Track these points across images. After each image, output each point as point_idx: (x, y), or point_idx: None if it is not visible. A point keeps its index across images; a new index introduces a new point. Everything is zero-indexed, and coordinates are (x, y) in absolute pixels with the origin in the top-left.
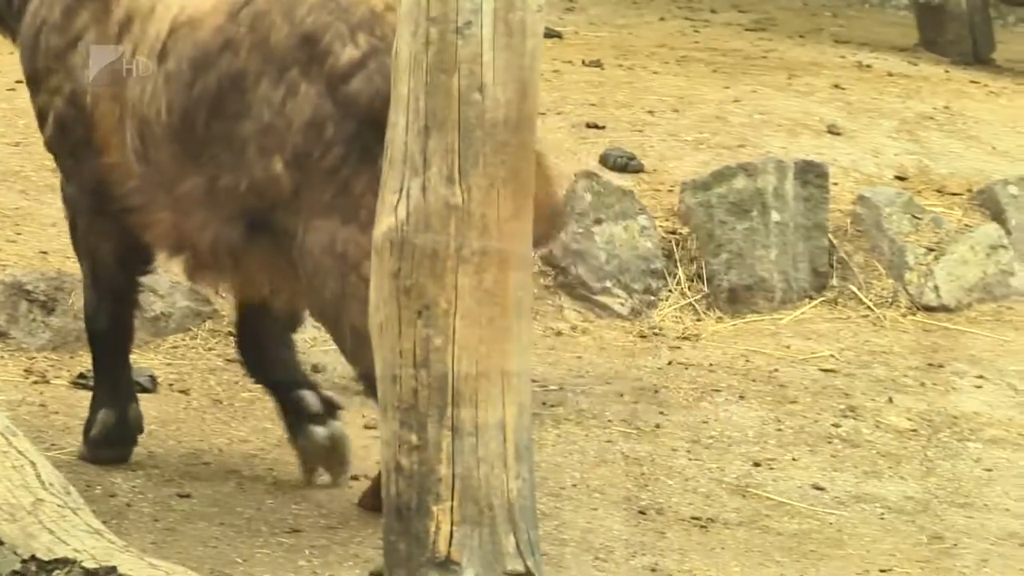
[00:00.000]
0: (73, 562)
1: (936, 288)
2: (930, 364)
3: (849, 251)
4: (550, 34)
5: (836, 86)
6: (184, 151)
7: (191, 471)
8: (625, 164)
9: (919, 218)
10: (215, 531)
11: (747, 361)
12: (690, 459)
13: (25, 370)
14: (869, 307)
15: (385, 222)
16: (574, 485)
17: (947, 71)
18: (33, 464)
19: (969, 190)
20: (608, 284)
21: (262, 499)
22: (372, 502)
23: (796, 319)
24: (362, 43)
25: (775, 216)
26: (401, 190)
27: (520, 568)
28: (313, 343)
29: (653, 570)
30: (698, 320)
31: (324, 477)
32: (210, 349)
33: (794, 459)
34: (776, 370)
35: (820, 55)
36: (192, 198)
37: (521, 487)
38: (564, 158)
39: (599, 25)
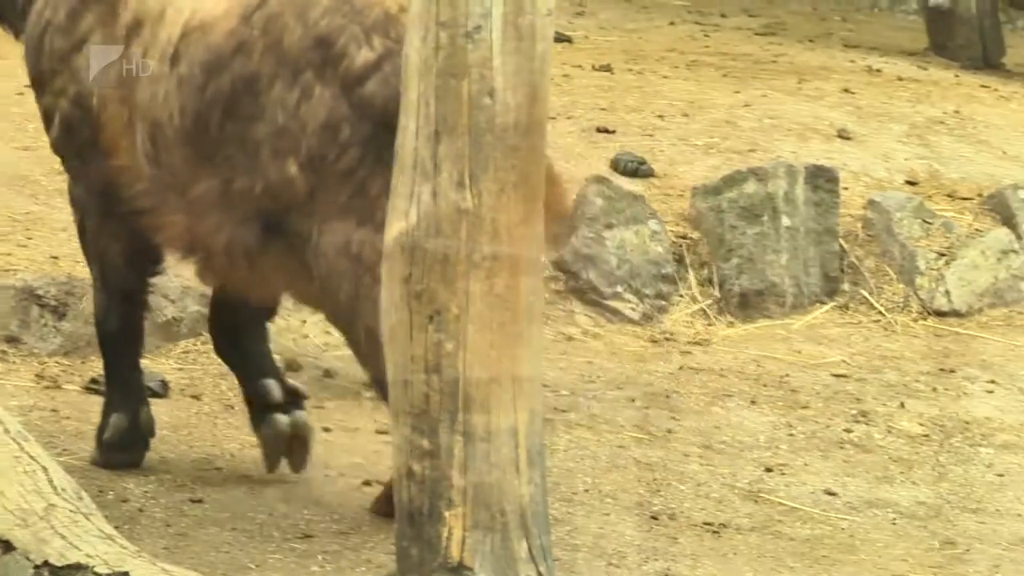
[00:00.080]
0: (86, 567)
1: (947, 293)
2: (941, 369)
3: (860, 256)
4: (560, 38)
5: (846, 90)
6: (197, 154)
7: (203, 476)
8: (636, 169)
9: (930, 223)
10: (227, 536)
11: (758, 366)
12: (702, 464)
13: (37, 375)
14: (880, 312)
15: (396, 227)
16: (586, 490)
17: (957, 75)
18: (45, 469)
19: (980, 195)
20: (619, 289)
21: (274, 504)
22: (384, 507)
23: (807, 324)
24: (377, 45)
25: (786, 221)
26: (412, 195)
27: (532, 573)
28: (325, 348)
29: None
30: (709, 325)
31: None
32: None
33: (806, 464)
34: (787, 375)
35: (830, 59)
36: (206, 201)
37: (533, 492)
38: (574, 163)
39: (609, 29)
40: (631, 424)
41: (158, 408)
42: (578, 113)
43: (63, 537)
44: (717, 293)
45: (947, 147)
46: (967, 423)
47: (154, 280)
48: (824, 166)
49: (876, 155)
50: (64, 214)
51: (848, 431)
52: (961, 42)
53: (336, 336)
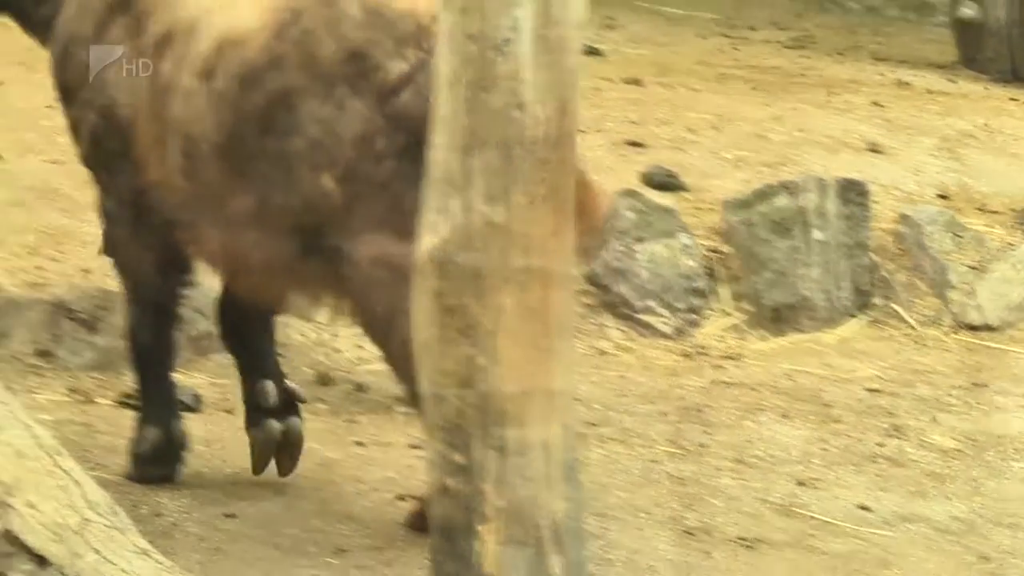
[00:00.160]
0: None
1: (979, 307)
2: (974, 383)
3: (891, 270)
4: (590, 51)
5: (876, 104)
6: (232, 168)
7: (237, 491)
8: (666, 182)
9: (961, 236)
10: (261, 551)
11: (791, 380)
12: (735, 479)
13: (70, 389)
14: (912, 326)
15: (427, 241)
16: (619, 505)
17: (986, 88)
18: (79, 484)
19: (1012, 209)
20: (651, 303)
21: (308, 519)
22: (418, 522)
23: (839, 338)
24: (410, 57)
25: (817, 234)
26: (442, 209)
27: None
28: (357, 362)
29: None
30: (741, 339)
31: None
32: None
33: (839, 479)
34: (820, 389)
35: (859, 72)
36: (241, 215)
37: (567, 507)
38: (605, 176)
39: (639, 43)
40: (664, 438)
41: (191, 422)
42: (608, 126)
43: (98, 552)
44: (749, 307)
45: (977, 160)
46: (1000, 437)
47: (186, 293)
48: (855, 180)
49: (906, 168)
50: (95, 227)
51: (881, 445)
52: (990, 55)
53: (368, 350)
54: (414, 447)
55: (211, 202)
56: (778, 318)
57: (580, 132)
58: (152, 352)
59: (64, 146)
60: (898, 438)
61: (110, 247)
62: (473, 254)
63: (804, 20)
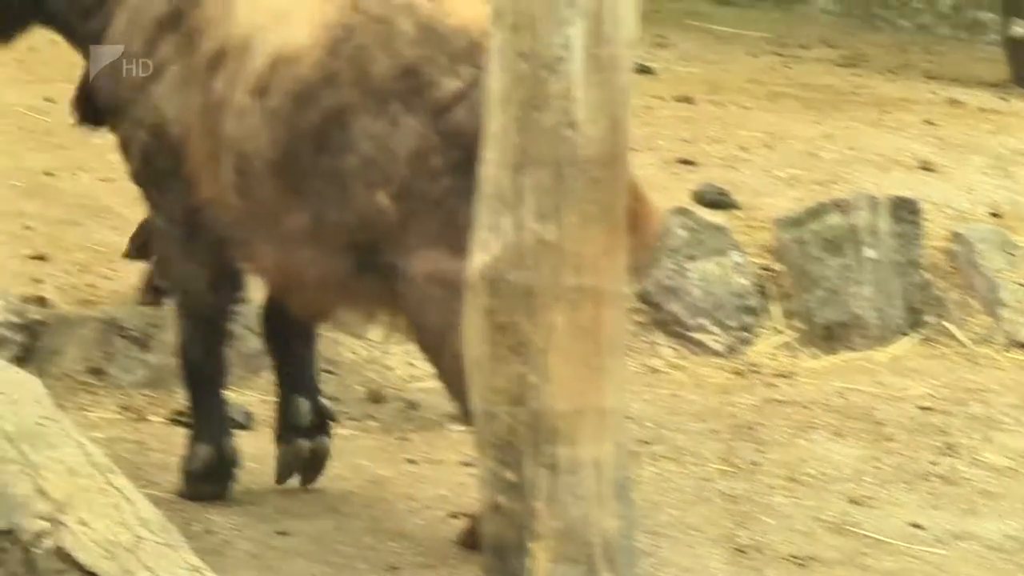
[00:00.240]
0: None
1: None
2: None
3: (943, 288)
4: (641, 70)
5: (927, 122)
6: (286, 185)
7: (289, 508)
8: (718, 200)
9: (1013, 255)
10: (314, 569)
11: (843, 398)
12: (787, 497)
13: (122, 407)
14: (964, 344)
15: (479, 259)
16: (671, 523)
17: None
18: (131, 501)
19: None
20: (703, 321)
21: (360, 537)
22: (471, 540)
23: (892, 356)
24: (463, 73)
25: (869, 252)
26: (494, 227)
27: None
28: (409, 380)
29: None
30: (793, 357)
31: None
32: None
33: (892, 497)
34: (872, 407)
35: (911, 91)
36: (295, 232)
37: (619, 525)
38: (656, 194)
39: (690, 61)
40: (716, 456)
41: (242, 440)
42: (660, 144)
43: (150, 570)
44: (801, 325)
45: None
46: None
47: (237, 310)
48: (907, 198)
49: (959, 187)
50: None
51: (933, 463)
52: None
53: (420, 368)
54: (466, 465)
55: (265, 219)
56: (830, 336)
57: (632, 150)
58: (204, 369)
59: (114, 164)
60: (950, 456)
61: (161, 264)
62: (524, 272)
63: (855, 38)
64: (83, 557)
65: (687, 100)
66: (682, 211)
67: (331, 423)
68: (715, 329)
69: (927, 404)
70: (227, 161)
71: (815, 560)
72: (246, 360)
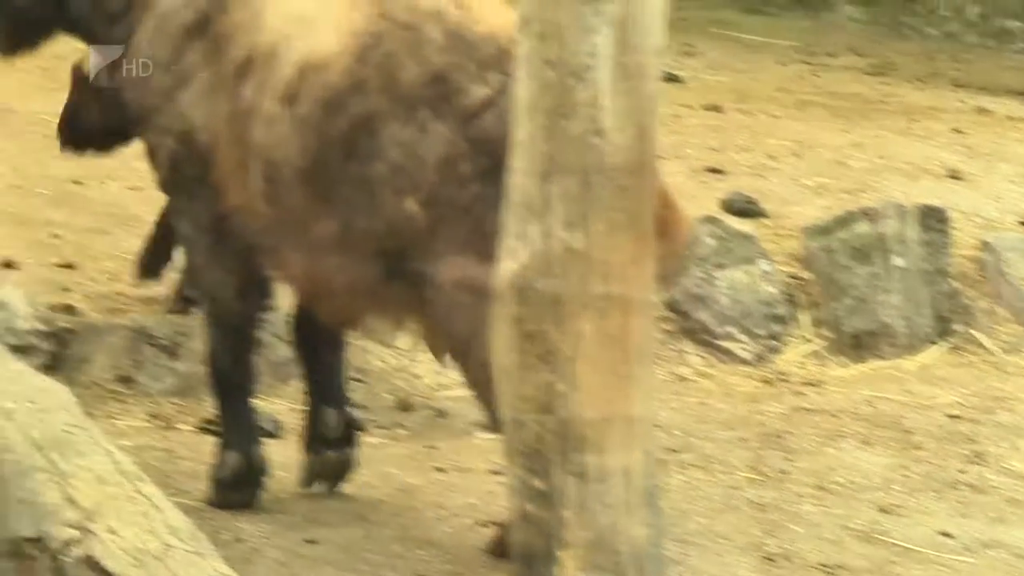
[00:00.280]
0: None
1: None
2: None
3: (972, 296)
4: (669, 78)
5: (956, 130)
6: (315, 193)
7: (317, 517)
8: (746, 209)
9: None
10: None
11: (872, 407)
12: (816, 505)
13: (151, 415)
14: (992, 353)
15: (507, 267)
16: (700, 531)
17: None
18: (160, 509)
19: None
20: (731, 329)
21: (389, 545)
22: (499, 548)
23: (920, 365)
24: (492, 80)
25: (897, 261)
26: (522, 235)
27: None
28: (437, 388)
29: None
30: (821, 365)
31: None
32: None
33: (921, 505)
34: (901, 416)
35: (939, 99)
36: (324, 239)
37: (648, 533)
38: (685, 202)
39: (718, 69)
40: (744, 464)
41: (271, 448)
42: (688, 153)
43: None
44: (829, 333)
45: None
46: None
47: (266, 319)
48: (935, 206)
49: (987, 195)
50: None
51: (962, 472)
52: None
53: (448, 376)
54: (495, 473)
55: (294, 226)
56: (858, 344)
57: (660, 159)
58: (232, 377)
59: (142, 172)
60: (979, 465)
61: (190, 272)
62: (552, 280)
63: (883, 47)
64: (112, 565)
65: (715, 108)
66: (710, 219)
67: (359, 433)
68: (743, 337)
69: (955, 412)
70: (255, 168)
71: (844, 569)
72: (275, 368)
